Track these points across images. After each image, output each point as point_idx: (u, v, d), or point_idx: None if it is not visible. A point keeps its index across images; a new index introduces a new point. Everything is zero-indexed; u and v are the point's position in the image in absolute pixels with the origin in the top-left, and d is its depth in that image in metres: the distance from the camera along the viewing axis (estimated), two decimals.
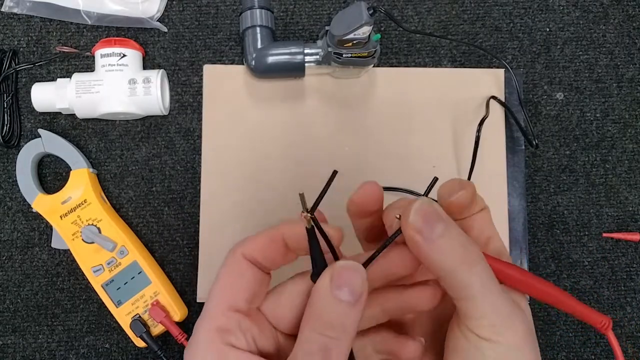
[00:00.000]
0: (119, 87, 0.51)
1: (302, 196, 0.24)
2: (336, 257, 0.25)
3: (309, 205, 0.24)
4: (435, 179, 0.26)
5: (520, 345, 0.23)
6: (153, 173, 0.54)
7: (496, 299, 0.23)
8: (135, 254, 0.50)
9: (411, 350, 0.27)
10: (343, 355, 0.22)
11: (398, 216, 0.24)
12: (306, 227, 0.24)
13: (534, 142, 0.52)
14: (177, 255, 0.54)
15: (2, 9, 0.54)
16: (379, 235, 0.29)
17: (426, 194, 0.25)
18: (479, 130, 0.52)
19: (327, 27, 0.48)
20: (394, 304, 0.27)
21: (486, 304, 0.23)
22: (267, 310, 0.26)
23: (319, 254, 0.24)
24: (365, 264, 0.24)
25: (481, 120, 0.52)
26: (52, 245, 0.51)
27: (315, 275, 0.24)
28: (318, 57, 0.50)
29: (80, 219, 0.50)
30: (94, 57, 0.52)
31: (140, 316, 0.50)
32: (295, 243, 0.25)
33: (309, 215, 0.24)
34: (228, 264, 0.25)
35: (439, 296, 0.26)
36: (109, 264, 0.50)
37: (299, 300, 0.25)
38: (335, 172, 0.25)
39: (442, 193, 0.26)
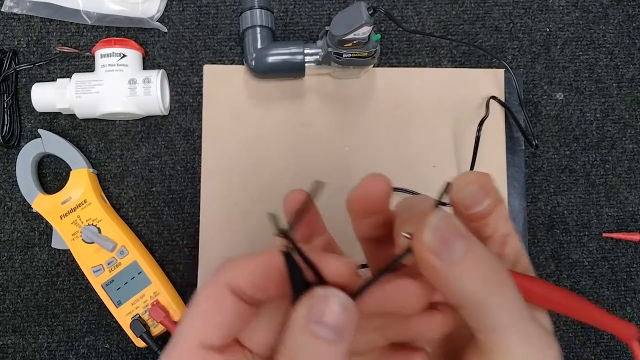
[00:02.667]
0: (119, 87, 0.51)
1: (273, 216, 0.19)
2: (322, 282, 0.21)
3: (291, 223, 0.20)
4: (449, 185, 0.22)
5: None
6: (153, 173, 0.54)
7: (527, 331, 0.19)
8: (135, 254, 0.50)
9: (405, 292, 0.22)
10: None
11: (409, 235, 0.20)
12: (284, 251, 0.20)
13: (534, 142, 0.52)
14: (177, 255, 0.54)
15: (2, 9, 0.54)
16: (385, 238, 0.24)
17: (438, 203, 0.21)
18: (479, 130, 0.52)
19: (327, 27, 0.48)
20: (396, 331, 0.23)
21: (517, 337, 0.19)
22: (243, 335, 0.22)
23: (300, 279, 0.20)
24: (360, 292, 0.20)
25: (481, 121, 0.52)
26: (52, 245, 0.51)
27: (295, 300, 0.21)
28: (318, 57, 0.50)
29: (80, 219, 0.50)
30: (94, 57, 0.52)
31: (140, 316, 0.50)
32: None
33: (280, 237, 0.20)
34: (206, 294, 0.21)
35: (451, 324, 0.22)
36: (109, 264, 0.50)
37: (278, 326, 0.22)
38: (319, 184, 0.21)
39: (459, 199, 0.22)
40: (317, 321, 0.18)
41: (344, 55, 0.48)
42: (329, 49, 0.48)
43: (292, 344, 0.19)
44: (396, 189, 0.53)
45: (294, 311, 0.19)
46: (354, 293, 0.20)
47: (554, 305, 0.23)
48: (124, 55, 0.51)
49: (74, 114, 0.52)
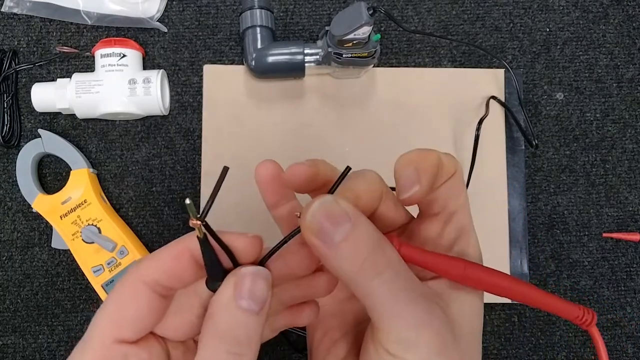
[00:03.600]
0: (119, 87, 0.51)
1: (189, 205, 0.20)
2: (235, 265, 0.22)
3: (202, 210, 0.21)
4: (348, 169, 0.24)
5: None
6: (153, 173, 0.54)
7: (404, 309, 0.20)
8: (135, 254, 0.50)
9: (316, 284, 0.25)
10: None
11: (298, 214, 0.21)
12: (197, 237, 0.21)
13: (534, 142, 0.52)
14: None
15: (2, 9, 0.54)
16: None
17: (333, 189, 0.23)
18: (478, 129, 0.52)
19: (327, 27, 0.48)
20: (290, 294, 0.25)
21: (392, 315, 0.20)
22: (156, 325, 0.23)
23: (215, 261, 0.22)
24: (263, 262, 0.23)
25: (480, 119, 0.52)
26: (52, 245, 0.51)
27: (211, 283, 0.22)
28: (318, 57, 0.50)
29: (80, 219, 0.50)
30: (94, 57, 0.52)
31: None
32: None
33: (199, 222, 0.20)
34: (118, 289, 0.22)
35: (335, 283, 0.25)
36: (109, 264, 0.50)
37: (196, 311, 0.23)
38: (225, 169, 0.22)
39: (396, 181, 0.23)
40: (244, 297, 0.20)
41: (344, 55, 0.48)
42: (329, 49, 0.48)
43: (220, 320, 0.20)
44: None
45: (220, 290, 0.21)
46: (259, 263, 0.22)
47: (487, 287, 0.23)
48: (124, 55, 0.51)
49: (74, 114, 0.52)
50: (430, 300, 0.21)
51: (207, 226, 0.21)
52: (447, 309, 0.22)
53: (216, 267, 0.22)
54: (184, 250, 0.22)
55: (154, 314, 0.22)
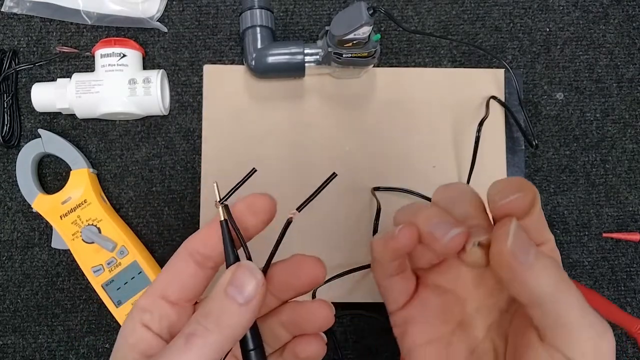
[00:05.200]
0: (119, 87, 0.51)
1: (215, 185, 0.25)
2: (248, 254, 0.26)
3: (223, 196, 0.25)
4: (334, 175, 0.26)
5: None
6: (153, 173, 0.54)
7: (593, 322, 0.22)
8: (135, 254, 0.50)
9: (313, 313, 0.28)
10: (208, 348, 0.22)
11: (482, 241, 0.23)
12: (220, 220, 0.25)
13: (534, 142, 0.52)
14: None
15: (2, 9, 0.54)
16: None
17: (318, 192, 0.26)
18: (479, 131, 0.52)
19: (327, 27, 0.48)
20: (289, 317, 0.28)
21: (587, 329, 0.22)
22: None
23: (231, 248, 0.25)
24: (266, 267, 0.26)
25: (481, 121, 0.52)
26: (52, 245, 0.51)
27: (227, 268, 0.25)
28: (318, 57, 0.50)
29: (80, 219, 0.50)
30: (94, 57, 0.52)
31: None
32: (209, 260, 0.26)
33: (220, 204, 0.25)
34: (172, 261, 0.26)
35: (332, 317, 0.27)
36: (109, 264, 0.50)
37: None
38: (253, 170, 0.26)
39: (493, 194, 0.24)
40: (233, 285, 0.23)
41: (344, 55, 0.48)
42: (329, 49, 0.48)
43: (209, 298, 0.23)
44: (395, 189, 0.53)
45: (223, 275, 0.24)
46: (263, 268, 0.25)
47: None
48: (124, 55, 0.51)
49: (74, 114, 0.52)
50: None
51: (227, 210, 0.25)
52: None
53: (229, 253, 0.25)
54: (217, 223, 0.26)
55: (196, 281, 0.26)
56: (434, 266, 0.28)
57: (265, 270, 0.26)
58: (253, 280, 0.23)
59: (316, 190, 0.25)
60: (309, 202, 0.25)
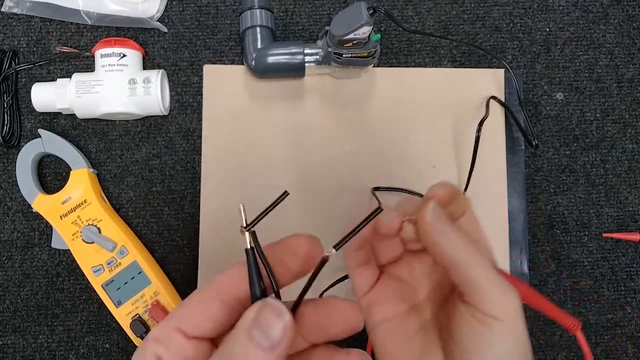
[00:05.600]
0: (119, 87, 0.51)
1: (242, 209, 0.21)
2: (276, 289, 0.23)
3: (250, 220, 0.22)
4: (380, 209, 0.26)
5: (519, 320, 0.27)
6: (153, 173, 0.54)
7: (497, 280, 0.27)
8: (135, 254, 0.50)
9: None
10: None
11: (410, 219, 0.29)
12: (246, 248, 0.22)
13: (534, 142, 0.52)
14: (177, 255, 0.54)
15: (2, 9, 0.54)
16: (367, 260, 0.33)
17: (366, 222, 0.25)
18: (479, 131, 0.52)
19: (327, 27, 0.48)
20: None
21: (491, 285, 0.27)
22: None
23: (257, 279, 0.22)
24: (295, 307, 0.23)
25: (481, 121, 0.52)
26: (52, 245, 0.51)
27: (252, 302, 0.23)
28: (318, 57, 0.50)
29: (80, 219, 0.50)
30: (94, 57, 0.52)
31: (140, 316, 0.50)
32: (235, 300, 0.23)
33: (247, 230, 0.21)
34: (194, 294, 0.24)
35: None
36: (109, 264, 0.50)
37: None
38: (286, 193, 0.23)
39: (427, 191, 0.30)
40: (257, 327, 0.21)
41: (344, 55, 0.48)
42: (329, 49, 0.48)
43: (232, 338, 0.21)
44: (395, 189, 0.53)
45: (245, 312, 0.21)
46: (292, 307, 0.23)
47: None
48: (124, 55, 0.51)
49: (74, 114, 0.52)
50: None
51: (254, 236, 0.22)
52: None
53: (255, 286, 0.22)
54: (211, 295, 0.24)
55: (218, 318, 0.24)
56: (393, 262, 0.34)
57: (294, 309, 0.23)
58: (280, 322, 0.21)
59: (268, 208, 0.23)
60: (260, 219, 0.22)
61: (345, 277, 0.50)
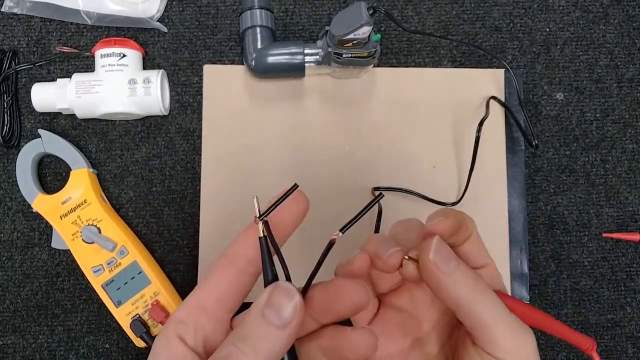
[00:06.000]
0: (119, 87, 0.51)
1: (256, 200, 0.24)
2: (286, 273, 0.25)
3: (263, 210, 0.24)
4: (295, 186, 0.26)
5: None
6: (153, 173, 0.54)
7: (509, 322, 0.25)
8: (135, 254, 0.50)
9: (356, 342, 0.26)
10: None
11: (413, 257, 0.27)
12: (259, 237, 0.24)
13: (534, 143, 0.52)
14: (177, 255, 0.54)
15: (2, 9, 0.54)
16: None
17: (362, 213, 0.26)
18: (479, 131, 0.52)
19: (327, 27, 0.48)
20: (329, 344, 0.26)
21: (503, 328, 0.25)
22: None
23: (269, 265, 0.24)
24: (305, 289, 0.25)
25: (481, 121, 0.52)
26: (52, 245, 0.51)
27: (265, 286, 0.24)
28: (318, 57, 0.50)
29: (80, 219, 0.50)
30: (94, 57, 0.52)
31: (140, 316, 0.50)
32: (248, 262, 0.25)
33: (260, 220, 0.24)
34: (209, 272, 0.26)
35: (375, 344, 0.26)
36: (109, 264, 0.50)
37: None
38: (295, 186, 0.25)
39: (426, 222, 0.28)
40: (270, 307, 0.22)
41: (344, 55, 0.48)
42: (329, 49, 0.48)
43: (245, 319, 0.23)
44: (395, 189, 0.53)
45: (261, 294, 0.23)
46: (302, 290, 0.24)
47: (521, 318, 0.27)
48: (124, 55, 0.51)
49: (74, 114, 0.52)
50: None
51: (267, 226, 0.24)
52: None
53: (267, 271, 0.24)
54: (250, 230, 0.26)
55: (234, 289, 0.25)
56: (393, 291, 0.32)
57: (304, 291, 0.25)
58: (291, 302, 0.23)
59: (280, 199, 0.25)
60: (272, 209, 0.24)
61: None
